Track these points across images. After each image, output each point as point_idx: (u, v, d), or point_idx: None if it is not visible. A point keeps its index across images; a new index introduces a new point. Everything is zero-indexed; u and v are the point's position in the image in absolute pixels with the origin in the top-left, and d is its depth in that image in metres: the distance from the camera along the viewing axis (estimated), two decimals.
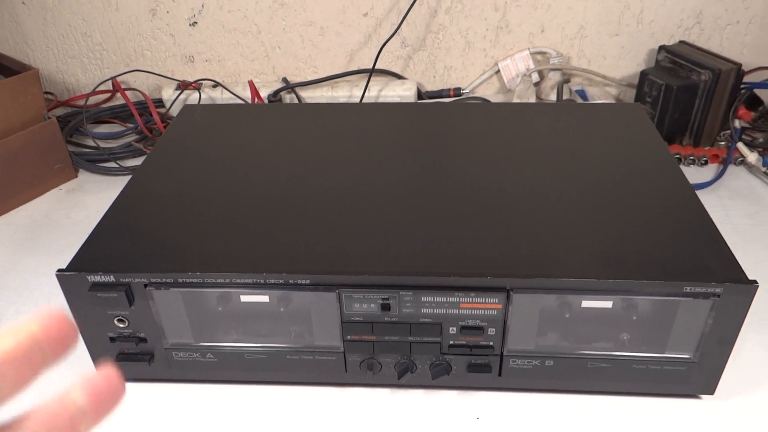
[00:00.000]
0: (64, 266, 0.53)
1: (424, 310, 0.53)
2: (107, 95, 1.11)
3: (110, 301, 0.54)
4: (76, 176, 0.97)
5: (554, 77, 1.05)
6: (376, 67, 1.05)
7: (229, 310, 0.56)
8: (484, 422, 0.56)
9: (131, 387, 0.61)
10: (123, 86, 1.07)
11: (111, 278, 0.53)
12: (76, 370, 0.60)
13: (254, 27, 1.07)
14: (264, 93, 1.06)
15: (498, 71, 1.08)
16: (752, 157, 0.91)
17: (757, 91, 1.00)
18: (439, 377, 0.56)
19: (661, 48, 0.99)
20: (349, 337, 0.55)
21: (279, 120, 0.78)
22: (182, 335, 0.57)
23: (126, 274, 0.53)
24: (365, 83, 1.04)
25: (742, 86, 0.96)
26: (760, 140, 0.96)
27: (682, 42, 1.02)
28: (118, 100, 1.11)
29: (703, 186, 0.89)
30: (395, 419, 0.57)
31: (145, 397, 0.59)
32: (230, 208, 0.61)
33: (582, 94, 1.05)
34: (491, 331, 0.54)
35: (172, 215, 0.60)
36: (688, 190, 0.62)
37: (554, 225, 0.57)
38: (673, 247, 0.54)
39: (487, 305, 0.52)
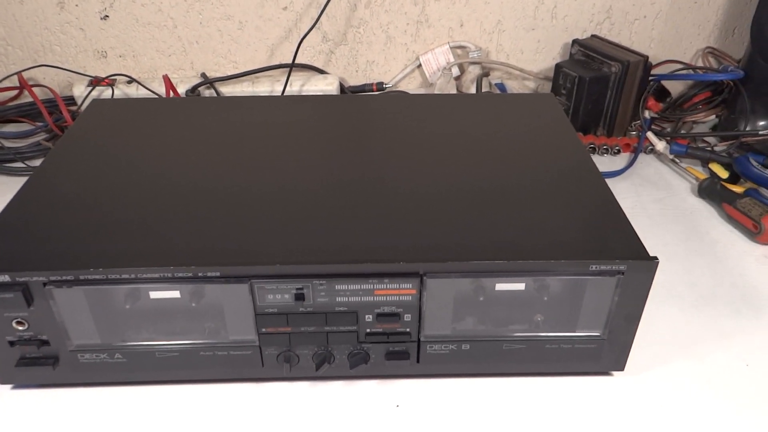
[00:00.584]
0: None
1: (339, 299, 0.53)
2: (14, 93, 1.06)
3: (6, 302, 0.51)
4: None
5: (474, 71, 1.07)
6: (298, 61, 1.04)
7: (137, 308, 0.54)
8: (404, 409, 0.56)
9: (35, 394, 0.57)
10: (31, 83, 1.02)
11: (6, 277, 0.50)
12: None
13: (170, 21, 1.03)
14: (182, 89, 1.03)
15: (420, 65, 1.09)
16: (660, 145, 0.95)
17: (665, 83, 1.05)
18: (358, 366, 0.56)
19: (575, 42, 1.02)
20: (264, 330, 0.54)
21: (195, 113, 0.76)
22: (88, 336, 0.54)
23: (23, 272, 0.50)
24: (286, 78, 1.03)
25: (650, 78, 1.00)
26: (668, 129, 1.01)
27: (594, 36, 1.05)
28: (26, 98, 1.06)
29: (616, 174, 0.92)
30: (315, 412, 0.56)
31: (51, 404, 0.56)
32: (137, 204, 0.58)
33: (501, 87, 1.07)
34: (407, 317, 0.54)
35: (74, 212, 0.57)
36: (596, 176, 0.63)
37: (467, 212, 0.57)
38: (581, 230, 0.55)
39: (402, 291, 0.52)
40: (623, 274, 0.52)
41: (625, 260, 0.51)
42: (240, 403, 0.57)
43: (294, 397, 0.57)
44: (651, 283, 0.52)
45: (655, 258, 0.51)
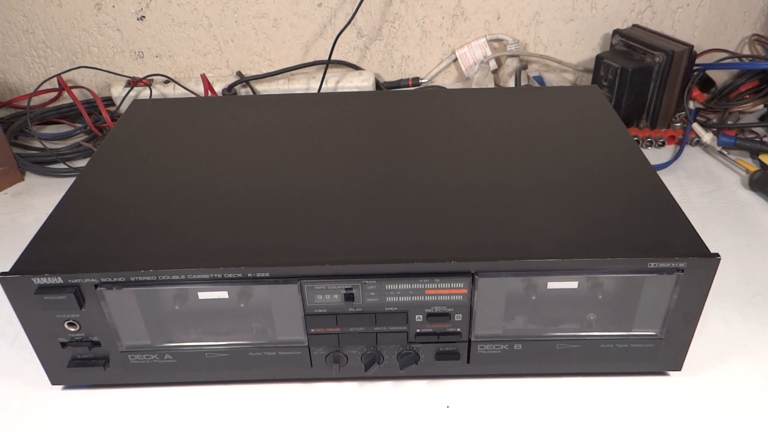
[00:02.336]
0: (5, 271, 0.50)
1: (389, 299, 0.52)
2: (54, 94, 1.07)
3: (59, 304, 0.51)
4: (23, 179, 0.92)
5: (512, 64, 1.05)
6: (333, 58, 1.03)
7: (186, 309, 0.54)
8: (454, 410, 0.55)
9: (86, 394, 0.58)
10: (70, 84, 1.03)
11: (58, 279, 0.50)
12: (28, 378, 0.58)
13: (205, 20, 1.04)
14: (218, 88, 1.04)
15: (456, 60, 1.07)
16: (707, 137, 0.93)
17: (710, 73, 1.02)
18: (407, 367, 0.55)
19: (615, 32, 1.00)
20: (312, 330, 0.54)
21: (235, 112, 0.76)
22: (138, 337, 0.54)
23: (74, 274, 0.50)
24: (322, 75, 1.02)
25: (694, 68, 0.97)
26: (714, 120, 0.98)
27: (635, 26, 1.02)
28: (66, 99, 1.07)
29: (661, 167, 0.90)
30: (364, 413, 0.55)
31: (102, 405, 0.57)
32: (183, 203, 0.58)
33: (539, 80, 1.05)
34: (458, 317, 0.53)
35: (122, 213, 0.58)
36: (648, 169, 0.62)
37: (517, 208, 0.56)
38: (636, 225, 0.53)
39: (453, 290, 0.51)
40: (683, 271, 0.50)
41: (685, 257, 0.50)
42: (289, 403, 0.56)
43: (343, 397, 0.57)
44: (712, 281, 0.51)
45: (717, 255, 0.50)
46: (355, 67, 1.07)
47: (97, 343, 0.54)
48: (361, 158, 0.65)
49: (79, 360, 0.55)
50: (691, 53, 0.93)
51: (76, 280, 0.50)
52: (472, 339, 0.55)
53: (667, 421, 0.54)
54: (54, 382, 0.57)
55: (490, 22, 1.05)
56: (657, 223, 0.54)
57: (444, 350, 0.55)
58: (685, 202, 0.84)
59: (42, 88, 1.02)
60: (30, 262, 0.52)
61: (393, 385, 0.58)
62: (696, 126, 0.94)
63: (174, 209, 0.57)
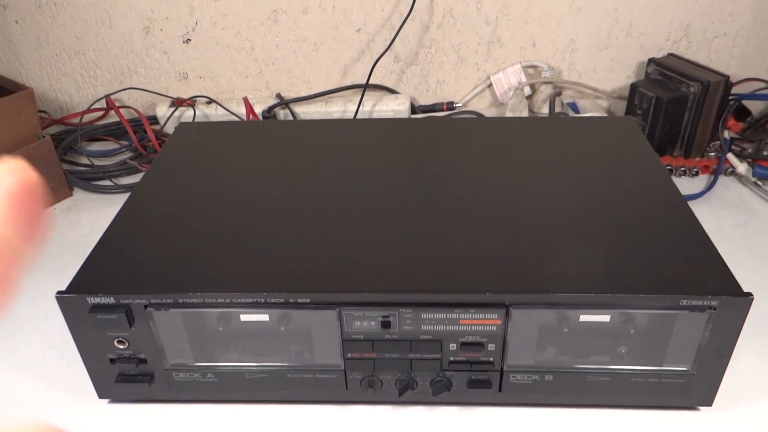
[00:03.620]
0: (60, 287, 0.53)
1: (424, 327, 0.54)
2: (101, 113, 1.11)
3: (110, 323, 0.54)
4: (71, 195, 0.96)
5: (546, 90, 1.06)
6: (370, 82, 1.06)
7: (229, 330, 0.56)
8: None
9: (131, 409, 0.60)
10: (117, 104, 1.07)
11: (111, 300, 0.53)
12: (76, 391, 0.60)
13: (248, 43, 1.07)
14: (258, 109, 1.07)
15: (490, 85, 1.09)
16: (742, 167, 0.93)
17: (745, 102, 1.02)
18: (440, 394, 0.57)
19: (651, 60, 1.01)
20: (349, 355, 0.56)
21: (275, 137, 0.79)
22: (182, 355, 0.57)
23: (126, 295, 0.53)
24: (359, 98, 1.05)
25: (730, 97, 0.97)
26: (749, 150, 0.98)
27: (670, 54, 1.03)
28: (112, 117, 1.11)
29: (694, 197, 0.90)
30: None
31: (146, 419, 0.59)
32: (228, 226, 0.61)
33: (573, 106, 1.06)
34: (491, 347, 0.54)
35: (170, 235, 0.60)
36: (680, 202, 0.62)
37: (551, 239, 0.57)
38: (669, 261, 0.54)
39: (487, 321, 0.53)
40: (715, 309, 0.51)
41: (718, 296, 0.50)
42: (324, 424, 0.58)
43: (377, 420, 0.58)
44: (744, 320, 0.51)
45: (750, 294, 0.50)
46: (392, 91, 1.10)
47: (143, 361, 0.57)
48: (397, 187, 0.67)
49: (126, 376, 0.58)
50: (727, 83, 0.93)
51: (127, 301, 0.53)
52: (505, 368, 0.56)
53: None
54: (101, 395, 0.60)
55: (525, 48, 1.06)
56: (689, 258, 0.55)
57: (476, 378, 0.57)
58: (718, 233, 0.84)
59: (91, 107, 1.06)
60: (85, 281, 0.55)
61: (426, 410, 0.59)
62: (731, 156, 0.94)
63: (219, 233, 0.60)
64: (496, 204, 0.63)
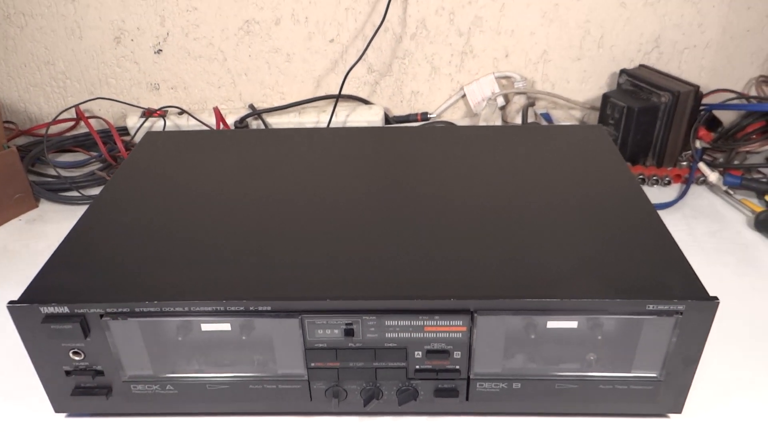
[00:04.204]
0: (13, 300, 0.51)
1: (388, 335, 0.53)
2: (71, 124, 1.10)
3: (65, 333, 0.52)
4: (37, 206, 0.94)
5: (519, 101, 1.06)
6: (343, 92, 1.05)
7: (189, 340, 0.55)
8: None
9: (89, 423, 0.58)
10: (87, 114, 1.06)
11: (65, 309, 0.51)
12: (31, 405, 0.58)
13: (220, 54, 1.06)
14: (230, 120, 1.06)
15: (464, 95, 1.09)
16: (713, 176, 0.93)
17: (716, 112, 1.02)
18: (406, 403, 0.55)
19: (622, 71, 1.01)
20: (312, 365, 0.54)
21: (244, 146, 0.78)
22: (141, 367, 0.55)
23: (81, 304, 0.51)
24: (332, 109, 1.04)
25: (701, 108, 0.98)
26: (720, 160, 0.98)
27: (642, 66, 1.04)
28: (83, 128, 1.09)
29: (666, 206, 0.90)
30: None
31: None
32: (189, 234, 0.60)
33: (547, 117, 1.07)
34: (457, 354, 0.53)
35: (129, 244, 0.59)
36: (649, 209, 0.62)
37: (518, 247, 0.57)
38: (636, 266, 0.54)
39: (452, 328, 0.52)
40: (682, 314, 0.50)
41: (684, 300, 0.50)
42: None
43: (342, 431, 0.57)
44: (711, 325, 0.51)
45: (716, 298, 0.50)
46: (365, 102, 1.09)
47: (100, 372, 0.55)
48: (365, 194, 0.66)
49: (83, 388, 0.56)
50: (697, 93, 0.94)
51: (82, 310, 0.51)
52: (471, 377, 0.55)
53: None
54: (57, 409, 0.58)
55: (498, 59, 1.06)
56: (657, 264, 0.54)
57: (443, 387, 0.55)
58: (690, 241, 0.84)
59: (60, 117, 1.04)
60: (38, 291, 0.53)
61: (392, 420, 0.58)
62: (702, 165, 0.95)
63: (180, 242, 0.59)
64: (464, 210, 0.62)
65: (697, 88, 0.94)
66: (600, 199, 0.64)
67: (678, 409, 0.56)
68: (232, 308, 0.51)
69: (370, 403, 0.55)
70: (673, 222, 0.87)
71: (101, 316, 0.52)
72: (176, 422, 0.58)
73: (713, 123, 1.03)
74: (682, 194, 0.93)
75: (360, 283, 0.53)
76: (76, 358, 0.54)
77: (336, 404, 0.56)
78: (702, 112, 0.99)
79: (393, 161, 0.74)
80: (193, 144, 0.78)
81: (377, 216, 0.62)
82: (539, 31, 1.03)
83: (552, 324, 0.53)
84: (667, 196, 0.93)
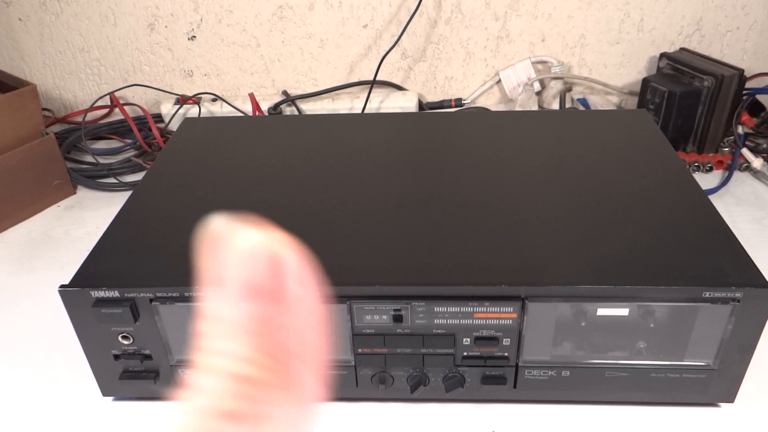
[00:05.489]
0: (64, 284, 0.52)
1: (437, 321, 0.52)
2: (105, 111, 1.10)
3: (115, 317, 0.52)
4: (75, 192, 0.95)
5: (556, 86, 1.05)
6: (377, 78, 1.04)
7: None
8: None
9: (136, 406, 0.59)
10: (121, 101, 1.06)
11: (115, 293, 0.52)
12: (79, 389, 0.59)
13: (253, 40, 1.06)
14: (264, 106, 1.06)
15: (499, 81, 1.07)
16: (757, 162, 0.91)
17: (759, 97, 1.00)
18: (453, 390, 0.55)
19: (662, 55, 0.99)
20: (360, 351, 0.54)
21: (281, 131, 0.77)
22: (188, 351, 0.55)
23: (131, 288, 0.51)
24: (366, 95, 1.04)
25: (744, 92, 0.95)
26: (764, 146, 0.96)
27: (683, 49, 1.01)
28: (117, 115, 1.10)
29: (708, 193, 0.88)
30: None
31: (151, 417, 0.58)
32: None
33: (584, 102, 1.05)
34: (506, 341, 0.53)
35: (175, 229, 0.59)
36: (700, 195, 0.61)
37: (568, 233, 0.56)
38: (690, 253, 0.53)
39: (502, 314, 0.51)
40: (739, 301, 0.49)
41: (742, 287, 0.49)
42: (334, 422, 0.56)
43: (388, 418, 0.57)
44: None
45: None
46: (399, 88, 1.08)
47: (148, 357, 0.56)
48: (407, 179, 0.66)
49: (131, 372, 0.57)
50: (740, 77, 0.92)
51: (131, 294, 0.52)
52: (520, 364, 0.54)
53: None
54: (105, 393, 0.59)
55: (534, 44, 1.05)
56: (711, 250, 0.53)
57: (491, 374, 0.55)
58: (734, 229, 0.81)
59: (95, 104, 1.05)
60: (88, 275, 0.53)
61: (438, 407, 0.57)
62: (745, 151, 0.93)
63: None
64: (510, 197, 0.61)
65: (741, 71, 0.91)
66: (649, 185, 0.62)
67: (730, 398, 0.55)
68: None
69: (417, 390, 0.55)
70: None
71: (151, 300, 0.52)
72: None
73: (756, 108, 1.00)
74: (725, 181, 0.91)
75: (409, 269, 0.52)
76: (125, 342, 0.55)
77: (383, 390, 0.55)
78: (745, 97, 0.96)
79: (433, 147, 0.73)
80: (231, 130, 0.78)
81: (419, 202, 0.61)
82: (577, 15, 1.01)
83: (602, 311, 0.52)
84: (709, 183, 0.91)
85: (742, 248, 0.53)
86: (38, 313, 0.70)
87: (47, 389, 0.61)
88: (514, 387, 0.55)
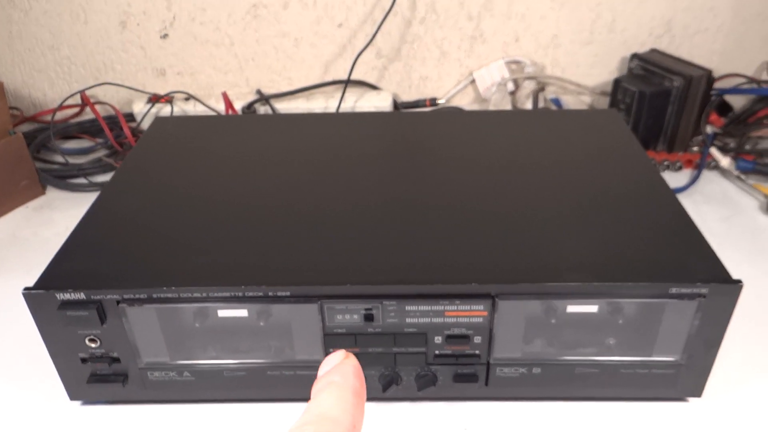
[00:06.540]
0: (28, 286, 0.51)
1: (408, 320, 0.52)
2: (76, 110, 1.09)
3: (81, 320, 0.51)
4: (44, 193, 0.94)
5: (529, 86, 1.06)
6: (352, 77, 1.04)
7: (206, 326, 0.54)
8: None
9: (104, 410, 0.58)
10: (92, 100, 1.04)
11: (81, 295, 0.51)
12: (46, 393, 0.58)
13: (227, 39, 1.05)
14: (238, 105, 1.05)
15: (473, 81, 1.08)
16: (725, 161, 0.92)
17: (727, 97, 1.02)
18: (425, 389, 0.55)
19: (633, 56, 1.00)
20: (331, 350, 0.54)
21: (254, 131, 0.77)
22: (157, 354, 0.55)
23: (97, 290, 0.51)
24: (341, 94, 1.03)
25: (712, 92, 0.97)
26: (732, 145, 0.97)
27: (653, 50, 1.03)
28: (88, 114, 1.09)
29: (678, 191, 0.90)
30: None
31: (120, 421, 0.57)
32: (206, 221, 0.59)
33: (557, 102, 1.06)
34: (477, 339, 0.53)
35: (144, 230, 0.58)
36: (668, 193, 0.62)
37: (537, 231, 0.56)
38: (657, 250, 0.53)
39: (473, 312, 0.51)
40: (705, 297, 0.50)
41: (708, 283, 0.49)
42: None
43: None
44: (734, 308, 0.50)
45: (739, 281, 0.49)
46: (374, 87, 1.08)
47: (116, 360, 0.55)
48: (380, 178, 0.66)
49: (99, 376, 0.56)
50: (709, 78, 0.93)
51: (98, 297, 0.51)
52: (491, 362, 0.54)
53: None
54: (72, 397, 0.58)
55: (508, 44, 1.05)
56: (678, 247, 0.54)
57: (462, 372, 0.55)
58: (702, 227, 0.82)
59: (65, 103, 1.03)
60: (53, 277, 0.52)
61: (411, 405, 0.57)
62: (714, 150, 0.94)
63: (195, 227, 0.58)
64: (479, 195, 0.62)
65: (709, 72, 0.93)
66: (618, 183, 0.63)
67: (698, 392, 0.56)
68: (251, 294, 0.51)
69: (389, 389, 0.55)
70: (685, 207, 0.86)
71: (118, 302, 0.51)
72: (193, 409, 0.58)
73: (724, 108, 1.02)
74: (694, 179, 0.92)
75: (380, 268, 0.52)
76: (92, 345, 0.54)
77: None
78: (713, 97, 0.98)
79: (406, 146, 0.73)
80: (203, 129, 0.78)
81: (392, 201, 0.61)
82: (550, 15, 1.02)
83: (572, 308, 0.52)
84: (679, 182, 0.92)
85: (708, 245, 0.54)
86: (4, 317, 0.69)
87: (13, 393, 0.60)
88: (486, 384, 0.56)
